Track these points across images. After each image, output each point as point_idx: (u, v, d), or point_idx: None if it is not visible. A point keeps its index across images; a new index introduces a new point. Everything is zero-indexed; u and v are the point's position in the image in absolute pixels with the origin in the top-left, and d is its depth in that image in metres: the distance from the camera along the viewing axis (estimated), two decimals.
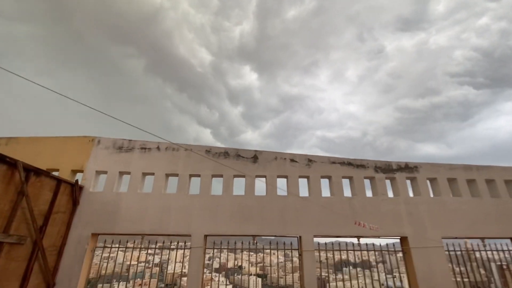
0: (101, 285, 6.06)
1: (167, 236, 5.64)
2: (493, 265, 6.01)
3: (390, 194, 6.03)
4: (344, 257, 5.87)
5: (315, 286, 5.06)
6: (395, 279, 5.48)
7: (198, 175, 5.96)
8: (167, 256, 5.67)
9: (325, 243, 5.55)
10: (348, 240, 5.65)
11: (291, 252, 5.54)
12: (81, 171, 5.85)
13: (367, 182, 6.14)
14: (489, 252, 5.66)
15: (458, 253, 5.60)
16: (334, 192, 5.89)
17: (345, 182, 6.15)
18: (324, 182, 6.10)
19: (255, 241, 5.53)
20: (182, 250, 5.50)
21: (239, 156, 6.15)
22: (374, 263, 6.35)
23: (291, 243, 5.52)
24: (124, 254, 5.42)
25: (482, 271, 5.68)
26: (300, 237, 5.54)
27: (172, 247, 5.48)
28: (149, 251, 5.62)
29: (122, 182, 6.05)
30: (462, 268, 5.60)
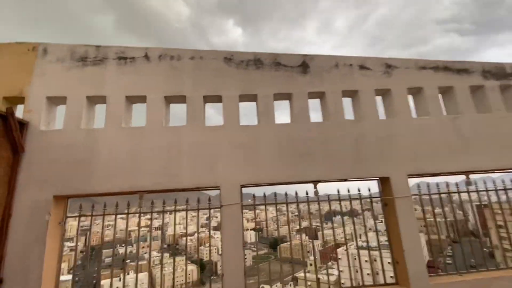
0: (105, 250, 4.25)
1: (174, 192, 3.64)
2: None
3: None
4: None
5: (419, 251, 3.31)
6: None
7: (218, 97, 3.74)
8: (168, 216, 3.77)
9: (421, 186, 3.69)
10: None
11: (370, 200, 3.69)
12: (22, 100, 3.51)
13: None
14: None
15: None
16: (428, 111, 3.86)
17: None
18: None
19: (316, 190, 3.59)
20: (193, 211, 3.56)
21: (280, 65, 3.88)
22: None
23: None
24: (115, 221, 3.40)
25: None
26: (381, 179, 3.65)
27: (188, 207, 3.49)
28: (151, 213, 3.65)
29: (95, 115, 3.78)
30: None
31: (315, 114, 3.92)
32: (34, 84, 3.51)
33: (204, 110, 3.70)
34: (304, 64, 3.89)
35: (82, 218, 3.39)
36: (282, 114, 3.68)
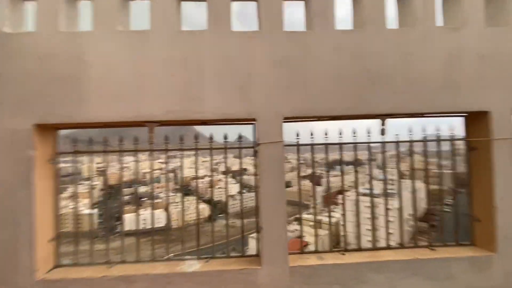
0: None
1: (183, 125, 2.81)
2: None
3: None
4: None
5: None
6: None
7: None
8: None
9: None
10: None
11: (451, 142, 2.79)
12: None
13: None
14: None
15: None
16: None
17: None
18: None
19: (384, 128, 2.68)
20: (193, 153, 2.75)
21: None
22: None
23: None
24: (120, 159, 2.67)
25: None
26: (470, 115, 2.68)
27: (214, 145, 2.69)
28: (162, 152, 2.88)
29: (79, 13, 2.72)
30: None
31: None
32: None
33: (230, 8, 2.58)
34: None
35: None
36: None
